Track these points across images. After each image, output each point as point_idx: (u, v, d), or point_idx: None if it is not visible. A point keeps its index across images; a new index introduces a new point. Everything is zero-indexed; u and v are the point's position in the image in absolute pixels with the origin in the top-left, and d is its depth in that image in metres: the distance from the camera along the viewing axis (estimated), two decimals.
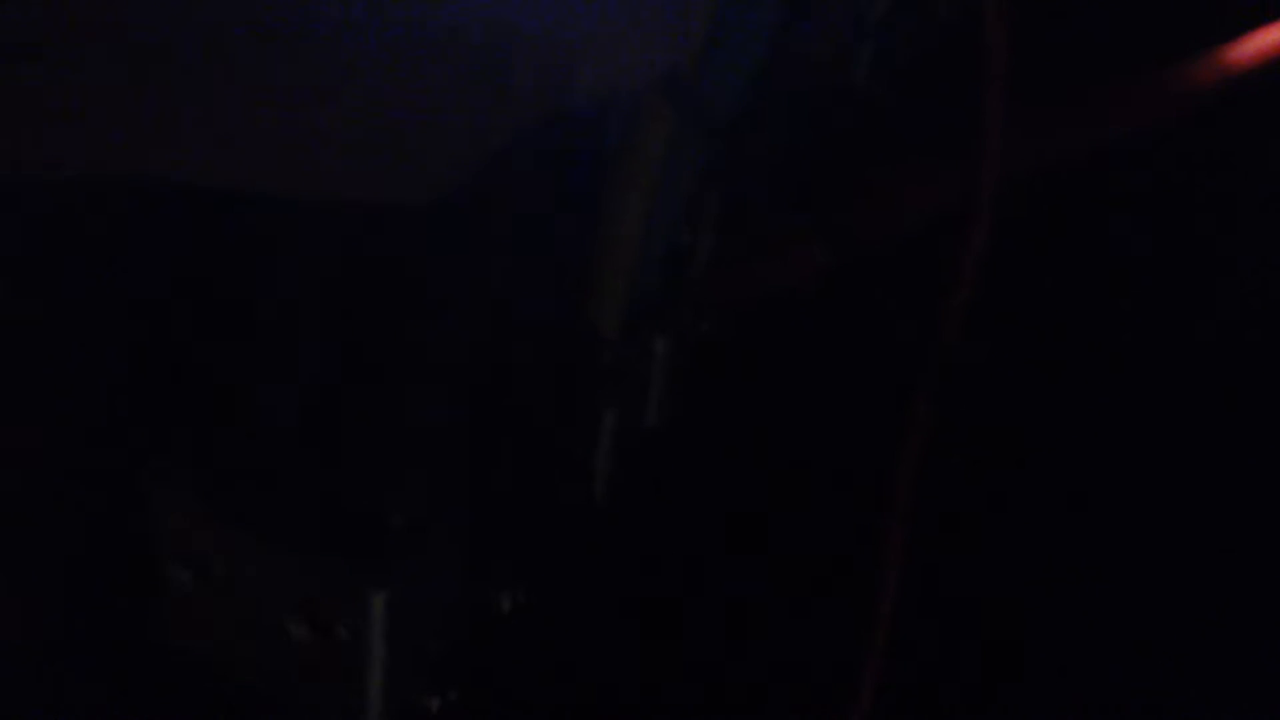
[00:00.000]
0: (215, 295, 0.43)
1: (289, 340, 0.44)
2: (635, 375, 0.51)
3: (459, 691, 0.49)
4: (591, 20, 0.34)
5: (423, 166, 0.35)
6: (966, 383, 0.52)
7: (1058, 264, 0.55)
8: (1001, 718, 0.58)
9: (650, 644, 0.57)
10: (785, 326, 0.56)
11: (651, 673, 0.57)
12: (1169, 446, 0.57)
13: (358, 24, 0.32)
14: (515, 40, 0.33)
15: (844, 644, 0.54)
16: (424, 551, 0.45)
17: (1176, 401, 0.56)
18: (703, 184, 0.50)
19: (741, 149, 0.50)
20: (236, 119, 0.32)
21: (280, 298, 0.43)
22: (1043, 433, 0.56)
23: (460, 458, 0.46)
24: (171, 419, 0.44)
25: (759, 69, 0.48)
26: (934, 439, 0.52)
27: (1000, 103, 0.45)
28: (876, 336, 0.54)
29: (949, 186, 0.50)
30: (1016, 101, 0.46)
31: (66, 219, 0.39)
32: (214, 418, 0.44)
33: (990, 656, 0.58)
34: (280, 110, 0.32)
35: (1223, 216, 0.54)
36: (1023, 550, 0.57)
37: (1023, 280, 0.54)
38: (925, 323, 0.51)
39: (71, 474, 0.44)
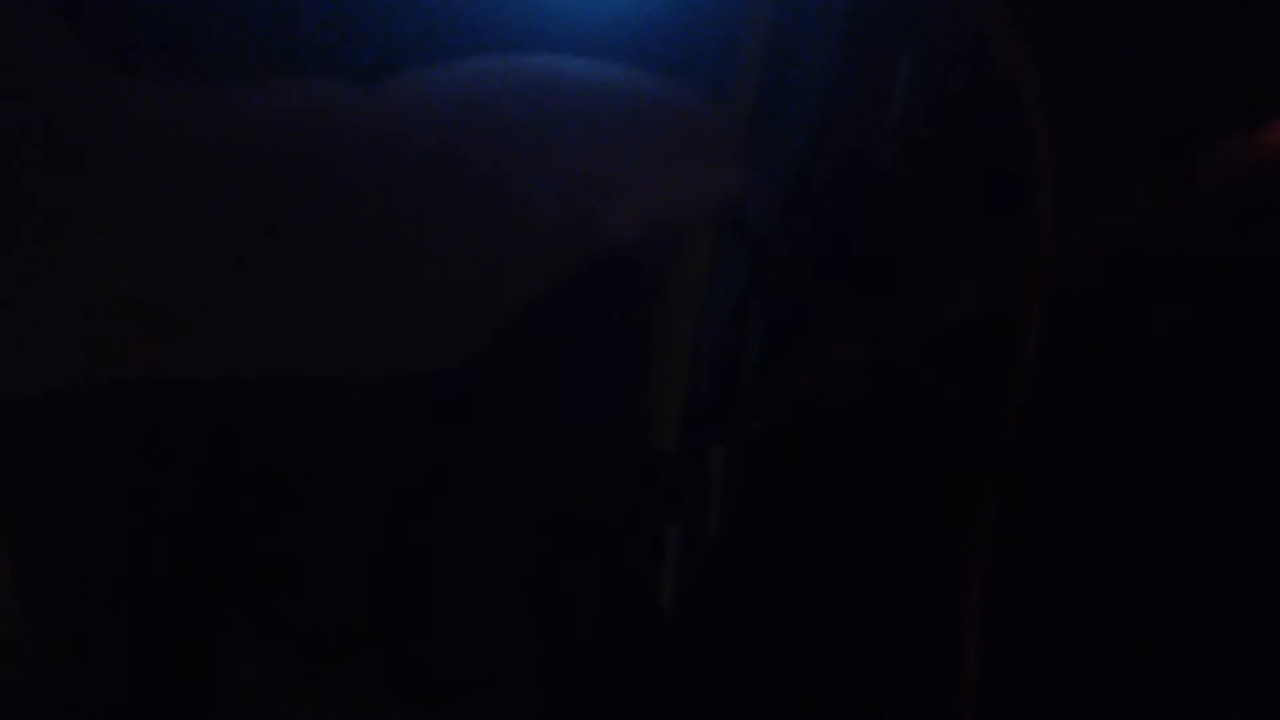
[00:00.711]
0: (272, 469, 0.42)
1: (349, 503, 0.43)
2: (694, 487, 0.51)
3: None
4: (624, 163, 0.33)
5: (452, 329, 0.34)
6: (1027, 479, 0.51)
7: (1120, 348, 0.54)
8: None
9: None
10: (838, 425, 0.55)
11: None
12: (1244, 534, 0.55)
13: (380, 192, 0.31)
14: (544, 189, 0.32)
15: None
16: (498, 696, 0.44)
17: (1248, 485, 0.55)
18: (747, 291, 0.49)
19: (782, 254, 0.50)
20: (269, 305, 0.31)
21: (336, 464, 0.43)
22: (1111, 526, 0.55)
23: (528, 598, 0.46)
24: (237, 588, 0.43)
25: (793, 177, 0.48)
26: (997, 537, 0.51)
27: (1048, 194, 0.45)
28: (933, 432, 0.53)
29: (999, 279, 0.49)
30: (1067, 184, 0.45)
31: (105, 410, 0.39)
32: (280, 584, 0.43)
33: None
34: (309, 292, 0.31)
35: None
36: (1097, 655, 0.56)
37: (1083, 370, 0.53)
38: (983, 417, 0.50)
39: (138, 645, 0.43)
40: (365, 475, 0.43)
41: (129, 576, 0.42)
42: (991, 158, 0.52)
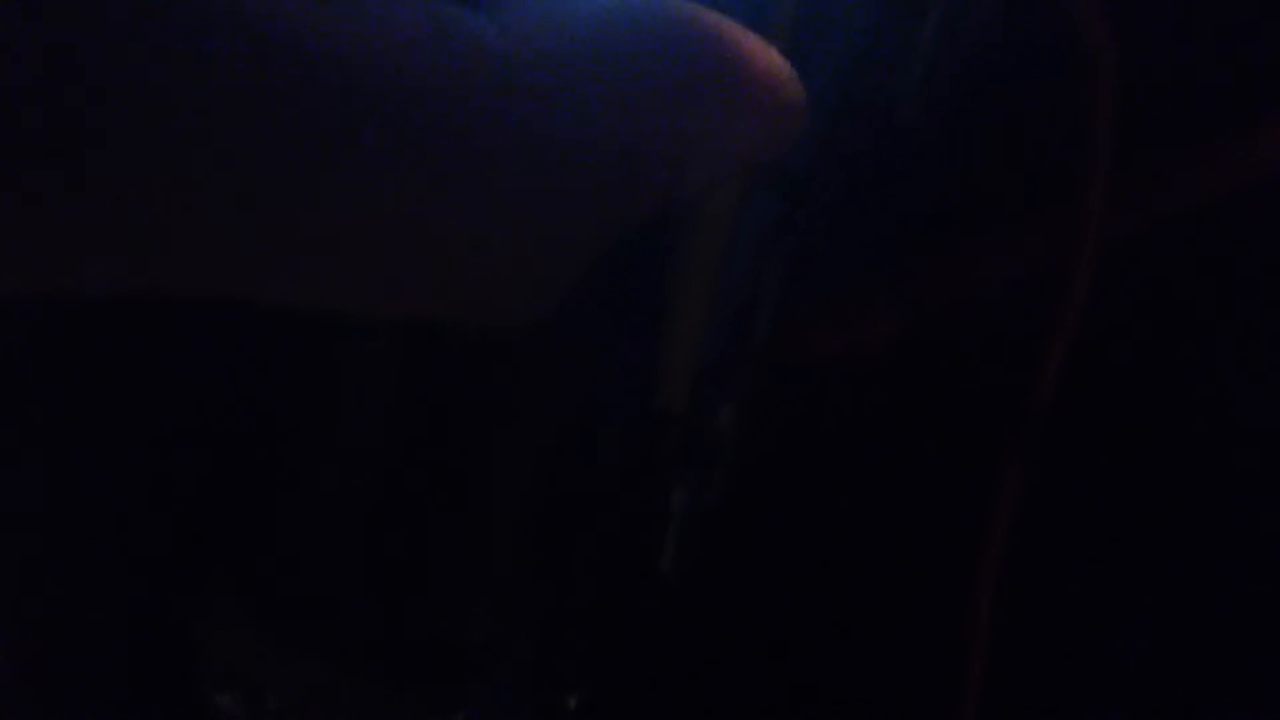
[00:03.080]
0: (267, 411, 0.39)
1: (348, 455, 0.40)
2: (703, 448, 0.48)
3: None
4: (697, 116, 0.31)
5: (543, 277, 0.31)
6: (1059, 456, 0.48)
7: (1165, 325, 0.51)
8: None
9: None
10: (858, 388, 0.53)
11: None
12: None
13: (475, 125, 0.28)
14: (624, 142, 0.30)
15: None
16: (498, 670, 0.42)
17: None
18: (770, 239, 0.47)
19: (812, 203, 0.47)
20: (323, 231, 0.28)
21: (339, 412, 0.40)
22: (1146, 510, 0.52)
23: (528, 560, 0.43)
24: (220, 541, 0.40)
25: (829, 118, 0.45)
26: (1021, 517, 0.49)
27: (1108, 146, 0.42)
28: (959, 404, 0.51)
29: (1045, 242, 0.46)
30: (1125, 144, 0.43)
31: (95, 334, 0.35)
32: (266, 539, 0.40)
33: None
34: (385, 223, 0.28)
35: None
36: (1124, 632, 0.54)
37: (1123, 346, 0.51)
38: (1014, 389, 0.48)
39: (114, 599, 0.40)
40: (362, 421, 0.40)
41: (92, 529, 0.39)
42: (1015, 119, 0.50)
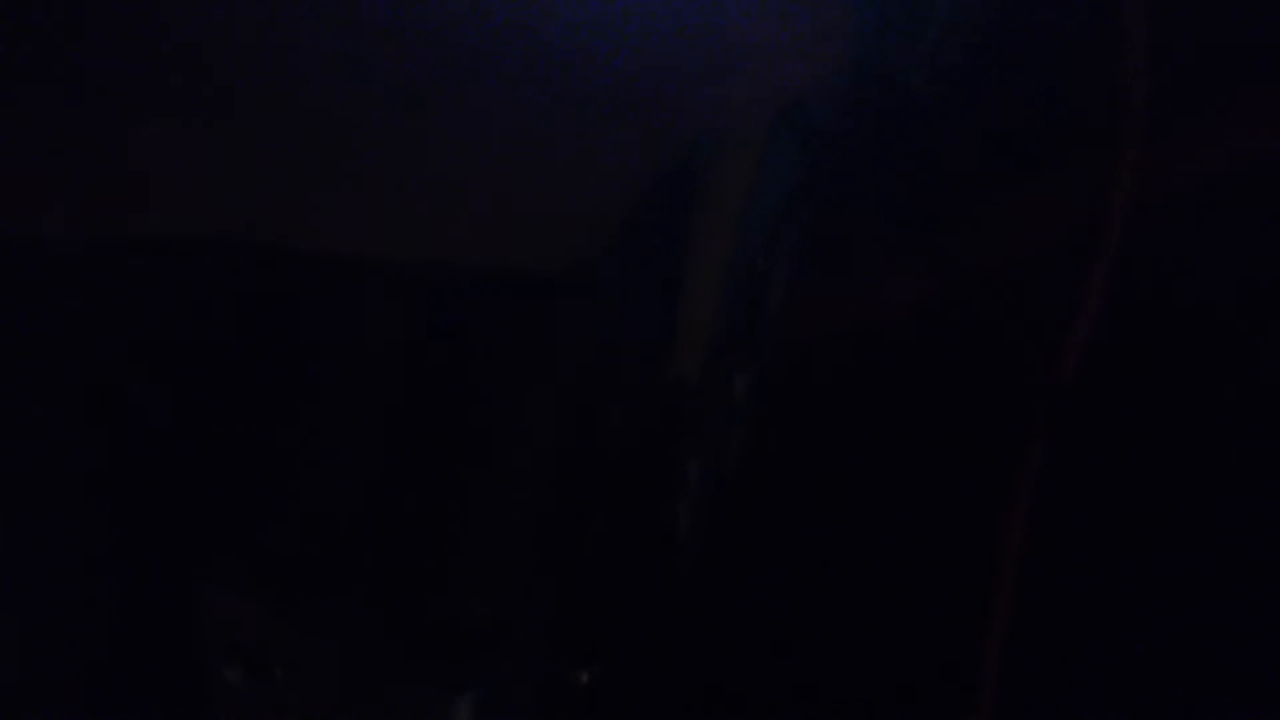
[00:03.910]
0: (278, 381, 0.38)
1: (361, 424, 0.39)
2: (716, 418, 0.48)
3: None
4: (732, 48, 0.30)
5: (571, 224, 0.31)
6: (1082, 427, 0.47)
7: (1189, 294, 0.50)
8: None
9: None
10: (879, 362, 0.52)
11: None
12: None
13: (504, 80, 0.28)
14: (655, 73, 0.29)
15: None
16: (508, 645, 0.41)
17: None
18: (789, 205, 0.46)
19: (836, 169, 0.46)
20: (384, 184, 0.28)
21: (353, 380, 0.39)
22: (1167, 480, 0.51)
23: (544, 543, 0.42)
24: (230, 517, 0.39)
25: (852, 77, 0.44)
26: (1044, 488, 0.48)
27: (1140, 120, 0.41)
28: (982, 375, 0.50)
29: (1074, 209, 0.45)
30: (1156, 114, 0.42)
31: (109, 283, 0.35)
32: (276, 516, 0.40)
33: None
34: (431, 172, 0.28)
35: None
36: (1144, 604, 0.53)
37: (1150, 313, 0.50)
38: (1038, 360, 0.47)
39: (123, 573, 0.39)
40: (376, 387, 0.40)
41: (94, 498, 0.38)
42: (1043, 82, 0.49)
